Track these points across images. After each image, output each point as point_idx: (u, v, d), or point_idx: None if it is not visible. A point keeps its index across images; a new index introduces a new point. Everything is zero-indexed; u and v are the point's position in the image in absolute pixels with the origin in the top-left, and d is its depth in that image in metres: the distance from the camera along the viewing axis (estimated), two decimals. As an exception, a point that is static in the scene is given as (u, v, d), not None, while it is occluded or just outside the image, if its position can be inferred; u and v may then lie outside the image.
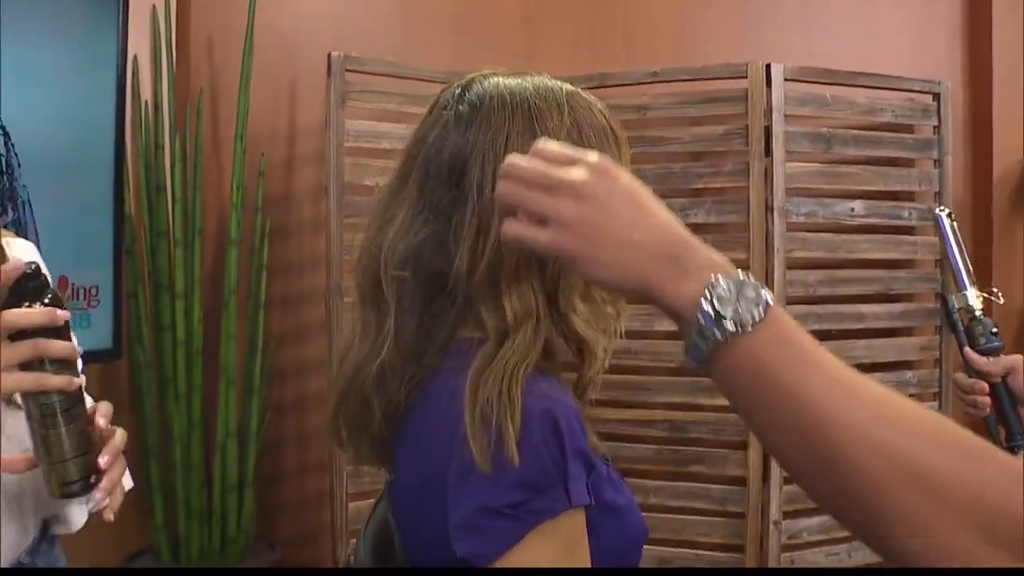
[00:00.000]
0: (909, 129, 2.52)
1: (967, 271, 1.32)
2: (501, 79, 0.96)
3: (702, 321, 0.60)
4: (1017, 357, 1.24)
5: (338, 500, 2.25)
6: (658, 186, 2.36)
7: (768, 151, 2.29)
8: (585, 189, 0.66)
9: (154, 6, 2.23)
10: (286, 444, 2.55)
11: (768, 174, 2.29)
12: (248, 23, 2.28)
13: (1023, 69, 2.51)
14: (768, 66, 2.28)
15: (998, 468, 0.54)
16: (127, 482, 1.15)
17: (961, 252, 1.35)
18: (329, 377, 2.26)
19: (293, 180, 2.53)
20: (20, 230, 1.88)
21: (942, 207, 1.39)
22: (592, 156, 0.69)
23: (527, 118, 0.94)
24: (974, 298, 1.30)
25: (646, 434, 2.38)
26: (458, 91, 0.97)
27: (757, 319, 0.59)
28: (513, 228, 0.71)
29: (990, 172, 2.54)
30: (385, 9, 2.59)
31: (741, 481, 2.30)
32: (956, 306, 1.31)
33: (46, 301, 0.90)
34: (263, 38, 2.37)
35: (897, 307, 2.46)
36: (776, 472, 2.27)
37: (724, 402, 2.19)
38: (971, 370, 1.28)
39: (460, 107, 0.95)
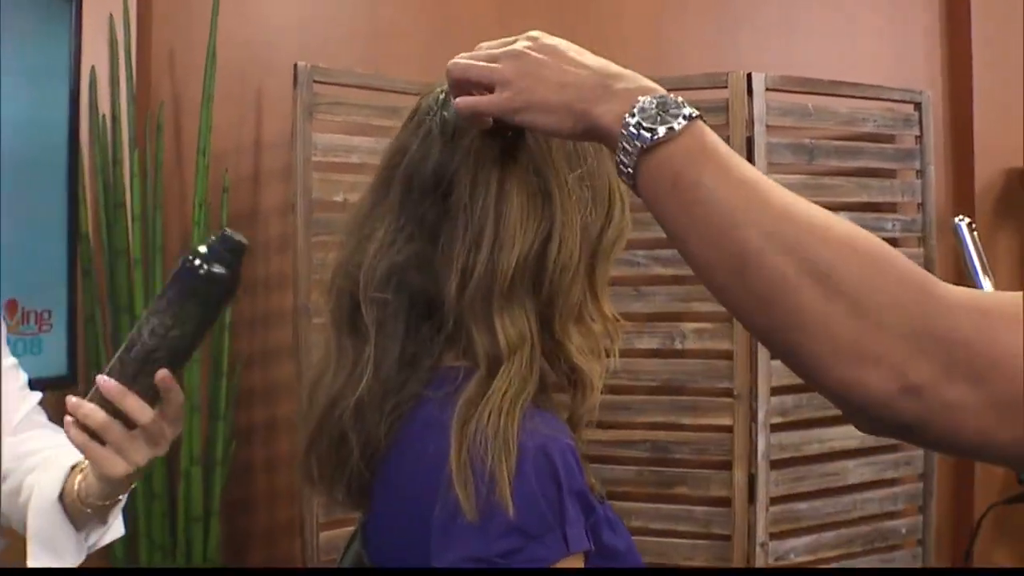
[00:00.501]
0: (891, 139, 2.48)
1: (989, 280, 1.26)
2: None
3: (625, 132, 0.66)
4: None
5: (309, 529, 2.15)
6: (634, 198, 2.30)
7: (750, 162, 2.23)
8: (521, 50, 0.74)
9: (111, 15, 2.14)
10: (254, 471, 2.45)
11: (750, 186, 2.24)
12: (211, 34, 2.19)
13: (1003, 78, 2.48)
14: (749, 76, 2.23)
15: (898, 276, 0.56)
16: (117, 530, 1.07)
17: (981, 261, 1.25)
18: (299, 400, 2.16)
19: (259, 196, 2.44)
20: (-33, 251, 1.78)
21: (962, 216, 1.31)
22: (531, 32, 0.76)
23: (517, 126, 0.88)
24: None
25: (627, 455, 2.31)
26: (441, 96, 0.90)
27: (676, 128, 0.64)
28: (464, 100, 0.76)
29: (972, 182, 2.50)
30: (354, 19, 2.51)
31: (726, 502, 2.23)
32: None
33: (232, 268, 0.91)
34: (227, 49, 2.28)
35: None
36: (762, 492, 2.20)
37: (707, 421, 2.13)
38: None
39: (444, 113, 0.88)
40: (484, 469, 0.75)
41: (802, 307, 0.57)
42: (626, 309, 2.32)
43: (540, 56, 0.73)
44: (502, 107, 0.74)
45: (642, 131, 0.65)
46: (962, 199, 2.54)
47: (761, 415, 2.21)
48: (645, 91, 0.68)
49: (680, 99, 0.67)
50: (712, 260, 0.62)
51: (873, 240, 0.59)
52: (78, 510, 1.02)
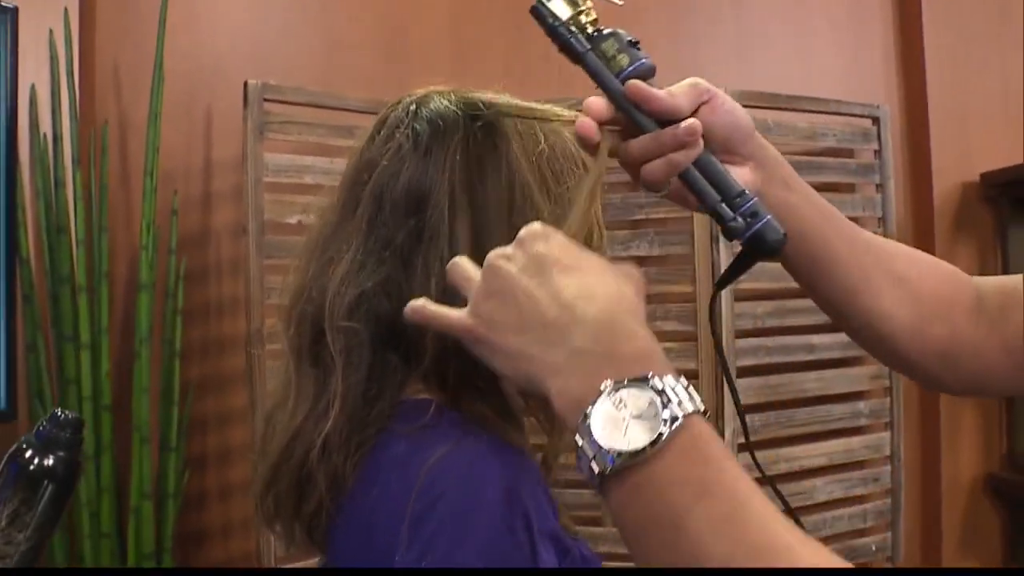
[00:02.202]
0: (850, 154, 2.48)
1: None
2: (462, 94, 0.85)
3: (581, 439, 0.53)
4: (700, 80, 0.77)
5: (267, 563, 2.07)
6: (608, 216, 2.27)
7: (711, 179, 2.21)
8: (498, 267, 0.60)
9: (51, 30, 2.05)
10: (208, 502, 2.36)
11: (712, 203, 2.21)
12: (158, 49, 2.12)
13: (958, 92, 2.50)
14: (708, 91, 2.21)
15: None
16: None
17: None
18: (253, 428, 2.08)
19: (210, 218, 2.36)
20: None
21: None
22: (524, 230, 0.63)
23: (495, 139, 0.83)
24: (582, 2, 0.76)
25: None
26: (413, 107, 0.84)
27: (656, 440, 0.50)
28: (417, 309, 0.67)
29: (931, 196, 2.51)
30: (306, 36, 2.45)
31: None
32: (560, 17, 0.75)
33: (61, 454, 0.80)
34: (175, 66, 2.20)
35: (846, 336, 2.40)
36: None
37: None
38: (643, 118, 0.73)
39: (416, 126, 0.82)
40: (452, 511, 0.70)
41: None
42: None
43: (518, 277, 0.59)
44: (462, 331, 0.62)
45: (602, 448, 0.52)
46: (920, 213, 2.55)
47: (728, 434, 2.18)
48: (625, 364, 0.53)
49: (670, 382, 0.52)
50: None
51: None
52: None
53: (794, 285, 2.67)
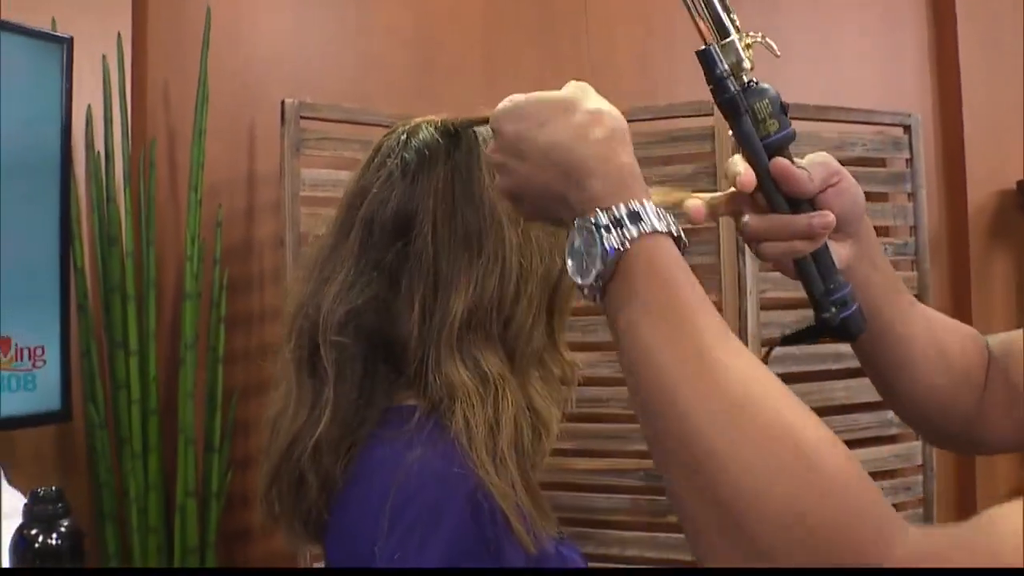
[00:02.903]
0: (881, 163, 2.47)
1: (725, 8, 0.74)
2: (447, 125, 0.91)
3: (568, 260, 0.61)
4: (830, 159, 0.77)
5: (303, 560, 2.16)
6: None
7: (737, 188, 2.24)
8: (493, 161, 0.69)
9: (104, 55, 2.18)
10: (251, 501, 2.46)
11: (738, 213, 2.24)
12: (201, 70, 2.23)
13: (993, 99, 2.48)
14: (734, 103, 2.23)
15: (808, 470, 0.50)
16: None
17: None
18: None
19: (253, 230, 2.47)
20: (-40, 291, 1.82)
21: None
22: (491, 122, 0.70)
23: (472, 168, 0.90)
24: (743, 49, 0.72)
25: (620, 484, 2.30)
26: (403, 137, 0.92)
27: (603, 264, 0.58)
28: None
29: (965, 204, 2.50)
30: (342, 53, 2.54)
31: (720, 530, 2.22)
32: (724, 64, 0.71)
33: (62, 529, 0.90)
34: (221, 85, 2.32)
35: (876, 344, 2.40)
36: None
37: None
38: (779, 198, 0.71)
39: (405, 155, 0.89)
40: (426, 506, 0.77)
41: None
42: (602, 339, 2.32)
43: (512, 165, 0.67)
44: (502, 191, 0.70)
45: (576, 275, 0.60)
46: (955, 222, 2.53)
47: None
48: (587, 202, 0.61)
49: (623, 210, 0.59)
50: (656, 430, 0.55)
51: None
52: None
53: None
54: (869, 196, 2.39)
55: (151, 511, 2.15)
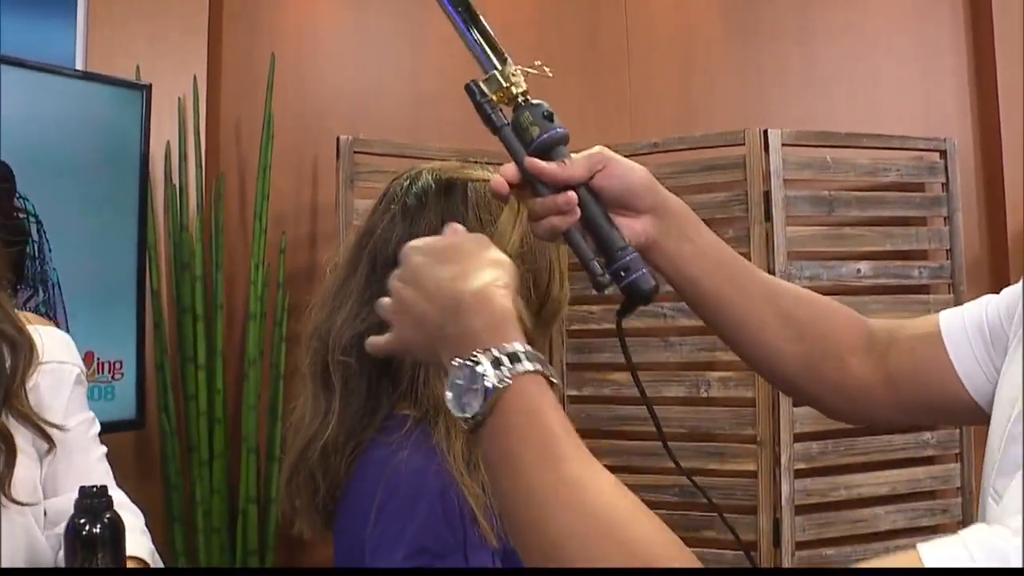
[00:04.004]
0: (918, 188, 2.51)
1: (492, 47, 0.90)
2: (448, 173, 1.05)
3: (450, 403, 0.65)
4: (601, 150, 0.88)
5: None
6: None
7: (768, 216, 2.32)
8: (394, 286, 0.73)
9: (179, 98, 2.40)
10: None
11: (769, 239, 2.32)
12: (266, 109, 2.44)
13: (1032, 124, 2.50)
14: (765, 132, 2.32)
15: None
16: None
17: (479, 26, 0.91)
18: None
19: (315, 255, 2.66)
20: (50, 309, 2.04)
21: None
22: (402, 253, 0.74)
23: (466, 211, 1.03)
24: (511, 76, 0.88)
25: (657, 499, 2.38)
26: (406, 183, 1.06)
27: (479, 408, 0.62)
28: (370, 343, 0.78)
29: (1004, 228, 2.51)
30: (397, 91, 2.72)
31: (752, 546, 2.28)
32: (487, 93, 0.87)
33: (105, 520, 1.01)
34: (287, 121, 2.53)
35: (912, 367, 2.43)
36: (787, 536, 2.25)
37: (734, 466, 2.23)
38: (540, 184, 0.84)
39: (407, 200, 1.03)
40: (404, 499, 0.91)
41: None
42: (654, 359, 2.42)
43: (404, 292, 0.72)
44: (391, 349, 0.75)
45: (455, 410, 0.64)
46: (995, 245, 2.55)
47: (784, 460, 2.26)
48: (467, 340, 0.65)
49: (502, 351, 0.63)
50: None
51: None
52: None
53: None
54: (906, 220, 2.47)
55: (215, 514, 2.34)
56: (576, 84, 2.75)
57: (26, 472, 1.14)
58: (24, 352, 1.15)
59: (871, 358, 0.91)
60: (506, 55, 0.88)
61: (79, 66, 2.32)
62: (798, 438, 2.29)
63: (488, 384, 0.62)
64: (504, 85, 0.87)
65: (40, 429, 1.16)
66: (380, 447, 0.98)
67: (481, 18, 0.90)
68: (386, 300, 0.74)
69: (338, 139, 2.35)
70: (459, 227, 0.75)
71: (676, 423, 2.38)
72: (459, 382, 0.63)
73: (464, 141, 2.56)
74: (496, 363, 0.62)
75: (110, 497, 1.03)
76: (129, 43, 2.40)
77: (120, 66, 2.32)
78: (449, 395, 0.64)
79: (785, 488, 2.26)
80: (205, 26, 2.51)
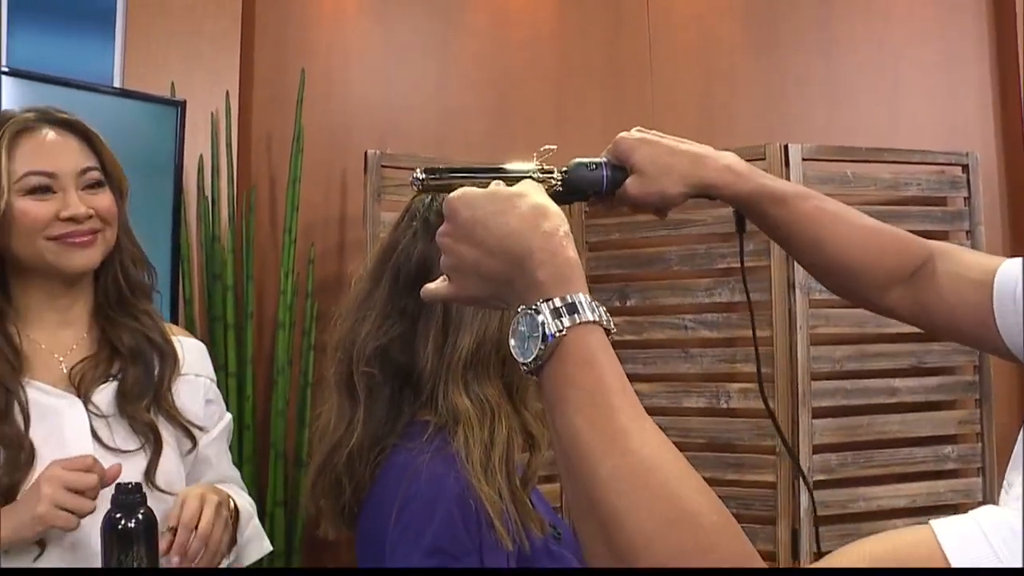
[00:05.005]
0: (941, 201, 2.52)
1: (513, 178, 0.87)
2: (470, 189, 1.09)
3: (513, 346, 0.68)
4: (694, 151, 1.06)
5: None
6: (683, 267, 2.45)
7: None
8: (446, 244, 0.74)
9: (212, 112, 2.48)
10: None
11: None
12: (296, 123, 2.50)
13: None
14: (786, 146, 2.35)
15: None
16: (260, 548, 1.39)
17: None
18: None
19: (343, 266, 2.72)
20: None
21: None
22: (444, 207, 0.74)
23: None
24: (543, 166, 0.97)
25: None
26: (428, 199, 1.11)
27: (537, 353, 0.65)
28: (425, 288, 0.79)
29: (1029, 242, 2.51)
30: (423, 106, 2.77)
31: (770, 556, 2.30)
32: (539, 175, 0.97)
33: (139, 516, 1.07)
34: (317, 135, 2.60)
35: (933, 380, 2.44)
36: (805, 546, 2.27)
37: (752, 476, 2.26)
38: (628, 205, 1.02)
39: (429, 216, 1.08)
40: (424, 501, 0.96)
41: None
42: (675, 370, 2.45)
43: (460, 249, 0.72)
44: (451, 299, 0.77)
45: (518, 354, 0.67)
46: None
47: (803, 472, 2.28)
48: (532, 290, 0.67)
49: (562, 302, 0.65)
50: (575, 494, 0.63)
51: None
52: None
53: (873, 330, 2.69)
54: (928, 234, 2.46)
55: (245, 518, 2.40)
56: (598, 95, 2.79)
57: (170, 465, 1.26)
58: (170, 361, 1.30)
59: (910, 290, 1.01)
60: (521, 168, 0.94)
61: (117, 83, 2.40)
62: (816, 449, 2.30)
63: (548, 331, 0.64)
64: (545, 172, 0.97)
65: (185, 428, 1.29)
66: (402, 452, 1.03)
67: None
68: (442, 259, 0.76)
69: (366, 153, 2.40)
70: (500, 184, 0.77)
71: (696, 434, 2.41)
72: (522, 329, 0.66)
73: (488, 155, 2.61)
74: (557, 313, 0.65)
75: (144, 493, 1.09)
76: (165, 61, 2.48)
77: (156, 83, 2.40)
78: (512, 342, 0.67)
79: (803, 499, 2.27)
80: (237, 43, 2.59)
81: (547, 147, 0.97)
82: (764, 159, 2.36)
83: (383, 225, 2.40)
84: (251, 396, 2.42)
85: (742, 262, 1.17)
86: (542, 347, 0.65)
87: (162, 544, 1.12)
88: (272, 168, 2.71)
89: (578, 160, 1.01)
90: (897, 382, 2.39)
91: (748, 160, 2.42)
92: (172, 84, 2.42)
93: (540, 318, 0.65)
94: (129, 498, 1.08)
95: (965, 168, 2.47)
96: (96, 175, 1.29)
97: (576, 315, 0.65)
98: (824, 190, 2.37)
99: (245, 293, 2.45)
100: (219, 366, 2.40)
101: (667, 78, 2.77)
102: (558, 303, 0.65)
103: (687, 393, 2.43)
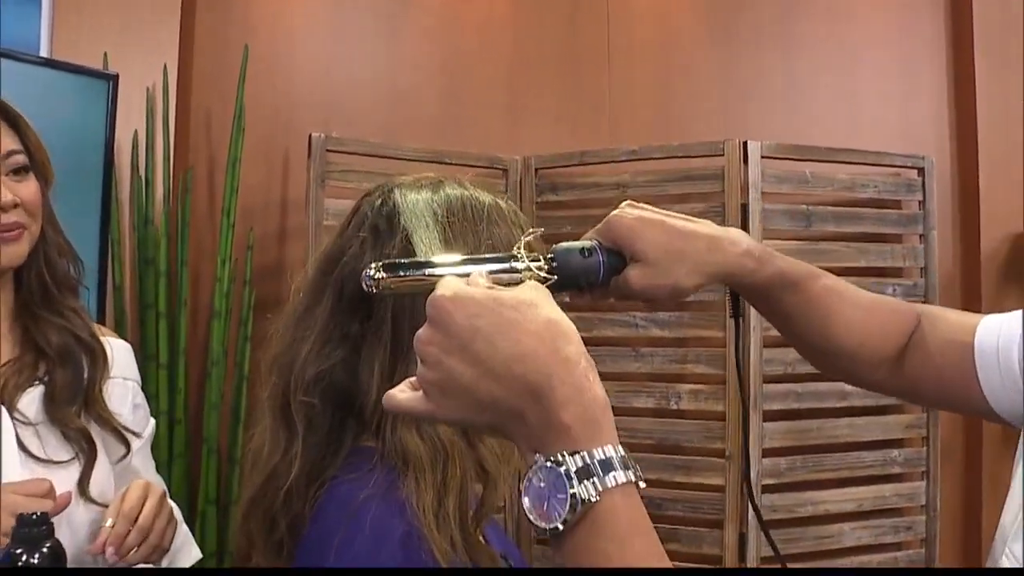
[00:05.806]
0: (895, 204, 2.51)
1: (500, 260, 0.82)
2: (422, 194, 0.95)
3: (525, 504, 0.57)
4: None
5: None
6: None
7: (745, 229, 2.30)
8: (434, 356, 0.60)
9: (148, 87, 2.34)
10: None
11: (744, 251, 2.29)
12: (237, 103, 2.38)
13: (1009, 144, 2.50)
14: (745, 143, 2.30)
15: None
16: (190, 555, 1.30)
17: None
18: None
19: (284, 252, 2.61)
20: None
21: None
22: (430, 308, 0.61)
23: (443, 238, 0.95)
24: (527, 255, 0.80)
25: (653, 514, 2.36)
26: (378, 202, 0.97)
27: (566, 519, 0.54)
28: (388, 397, 0.66)
29: (978, 247, 2.51)
30: (373, 89, 2.66)
31: (717, 560, 2.27)
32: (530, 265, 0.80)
33: (44, 550, 0.96)
34: (260, 114, 2.47)
35: (882, 384, 2.43)
36: (752, 551, 2.24)
37: (700, 479, 2.21)
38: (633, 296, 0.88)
39: (378, 223, 0.95)
40: (368, 540, 0.87)
41: None
42: (624, 369, 2.40)
43: (452, 363, 0.58)
44: (431, 417, 0.63)
45: (537, 519, 0.56)
46: (969, 263, 2.55)
47: (752, 475, 2.25)
48: (552, 434, 0.56)
49: (595, 456, 0.55)
50: None
51: None
52: None
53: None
54: (881, 237, 2.46)
55: (175, 516, 2.28)
56: (553, 82, 2.71)
57: (102, 474, 1.17)
58: (100, 362, 1.22)
59: (898, 366, 0.97)
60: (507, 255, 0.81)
61: (44, 53, 2.25)
62: (766, 453, 2.28)
63: (580, 497, 0.54)
64: (530, 262, 0.81)
65: (119, 433, 1.21)
66: (343, 484, 0.93)
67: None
68: (420, 368, 0.62)
69: (310, 137, 2.29)
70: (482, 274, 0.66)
71: (644, 434, 2.36)
72: (540, 485, 0.55)
73: (440, 141, 2.52)
74: (586, 472, 0.54)
75: (51, 525, 0.98)
76: (97, 29, 2.32)
77: (87, 53, 2.25)
78: (527, 502, 0.56)
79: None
80: (177, 14, 2.44)
81: (533, 230, 0.84)
82: (723, 155, 2.31)
83: (327, 212, 2.29)
84: (183, 389, 2.30)
85: (738, 348, 1.06)
86: (569, 516, 0.54)
87: (98, 538, 1.04)
88: (211, 148, 2.57)
89: (565, 245, 0.84)
90: (848, 386, 2.36)
91: (705, 157, 2.39)
92: (105, 55, 2.27)
93: (563, 470, 0.54)
94: (33, 531, 0.96)
95: (921, 171, 2.46)
96: (21, 159, 1.18)
97: (611, 476, 0.54)
98: (782, 189, 2.37)
99: (179, 279, 2.32)
100: (150, 356, 2.28)
101: (624, 69, 2.71)
102: (588, 458, 0.54)
103: (636, 393, 2.38)
